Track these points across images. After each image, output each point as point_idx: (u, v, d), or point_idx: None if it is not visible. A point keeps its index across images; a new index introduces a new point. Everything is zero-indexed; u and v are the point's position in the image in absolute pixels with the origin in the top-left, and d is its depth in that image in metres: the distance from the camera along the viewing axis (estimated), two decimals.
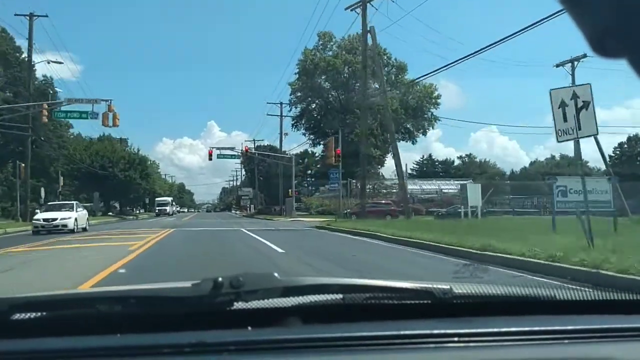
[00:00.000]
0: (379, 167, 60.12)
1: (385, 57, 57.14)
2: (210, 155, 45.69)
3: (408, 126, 59.30)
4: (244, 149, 47.32)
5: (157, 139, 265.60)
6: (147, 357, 1.13)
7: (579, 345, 1.23)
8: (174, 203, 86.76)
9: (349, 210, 35.88)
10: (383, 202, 42.81)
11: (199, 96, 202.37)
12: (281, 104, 55.76)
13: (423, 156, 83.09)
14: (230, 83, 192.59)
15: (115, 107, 29.15)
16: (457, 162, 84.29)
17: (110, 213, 64.42)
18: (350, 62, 55.89)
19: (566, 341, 1.24)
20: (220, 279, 1.21)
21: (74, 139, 59.78)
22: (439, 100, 58.80)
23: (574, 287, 1.62)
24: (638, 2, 0.67)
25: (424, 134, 61.70)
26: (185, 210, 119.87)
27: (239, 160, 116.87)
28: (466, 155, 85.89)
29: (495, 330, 1.24)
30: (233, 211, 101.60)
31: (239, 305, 1.23)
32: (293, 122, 62.11)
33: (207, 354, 1.13)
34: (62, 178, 41.98)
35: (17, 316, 1.23)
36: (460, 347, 1.20)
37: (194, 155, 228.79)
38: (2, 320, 1.22)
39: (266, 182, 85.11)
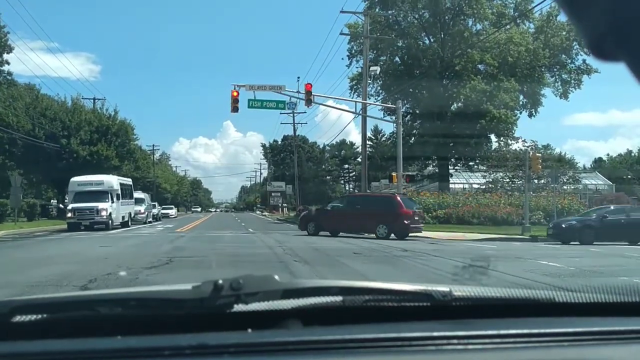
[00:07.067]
0: (509, 140, 37.72)
1: None
2: (234, 99, 23.36)
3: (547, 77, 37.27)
4: (305, 87, 23.99)
5: (173, 139, 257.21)
6: (148, 359, 1.12)
7: (579, 348, 1.23)
8: (130, 193, 30.52)
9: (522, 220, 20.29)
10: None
11: (215, 95, 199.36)
12: None
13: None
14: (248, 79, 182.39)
15: (130, 106, 17.76)
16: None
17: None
18: None
19: (565, 343, 1.24)
20: (220, 281, 1.21)
21: (10, 92, 35.23)
22: None
23: (573, 289, 1.53)
24: (636, 5, 0.67)
25: (564, 95, 39.44)
26: (173, 209, 58.70)
27: (261, 151, 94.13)
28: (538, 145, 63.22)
29: (495, 332, 1.24)
30: (258, 212, 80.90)
31: (239, 307, 1.22)
32: (352, 82, 39.94)
33: (208, 356, 1.12)
34: None
35: (17, 318, 1.22)
36: (460, 350, 1.20)
37: (209, 154, 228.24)
38: (2, 322, 1.21)
39: (293, 177, 63.40)
